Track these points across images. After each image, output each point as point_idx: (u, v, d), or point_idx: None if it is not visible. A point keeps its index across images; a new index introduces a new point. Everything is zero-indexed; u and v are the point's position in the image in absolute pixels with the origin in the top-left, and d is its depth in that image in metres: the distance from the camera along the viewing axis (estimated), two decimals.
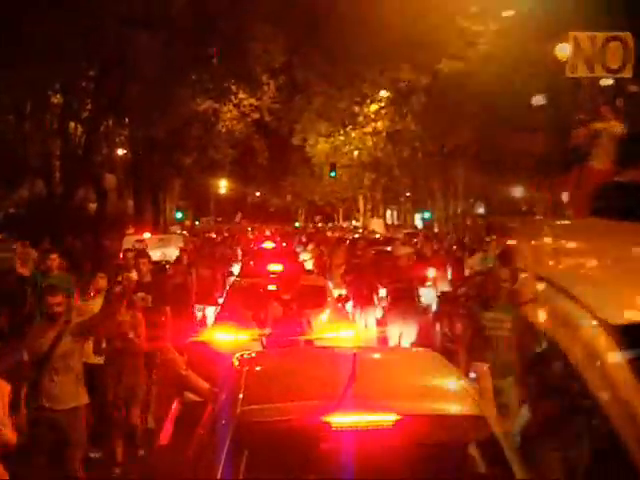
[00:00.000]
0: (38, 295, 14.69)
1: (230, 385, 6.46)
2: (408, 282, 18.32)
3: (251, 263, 27.19)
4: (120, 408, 11.19)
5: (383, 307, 19.62)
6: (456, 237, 38.57)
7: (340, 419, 5.31)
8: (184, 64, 34.51)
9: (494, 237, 24.72)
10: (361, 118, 58.25)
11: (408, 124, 52.94)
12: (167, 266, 21.06)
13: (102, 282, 12.39)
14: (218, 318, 16.35)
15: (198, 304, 19.78)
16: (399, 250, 20.80)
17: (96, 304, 11.30)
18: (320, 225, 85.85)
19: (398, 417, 5.34)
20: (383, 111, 55.72)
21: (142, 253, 15.58)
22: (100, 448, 11.33)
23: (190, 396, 9.63)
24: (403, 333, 17.45)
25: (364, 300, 20.74)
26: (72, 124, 39.52)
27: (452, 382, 6.34)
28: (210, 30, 37.44)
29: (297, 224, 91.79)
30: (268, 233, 52.84)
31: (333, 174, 64.23)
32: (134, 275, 11.87)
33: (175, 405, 11.69)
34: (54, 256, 16.28)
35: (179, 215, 69.71)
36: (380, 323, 19.60)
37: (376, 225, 64.39)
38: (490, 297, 10.70)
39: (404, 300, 17.91)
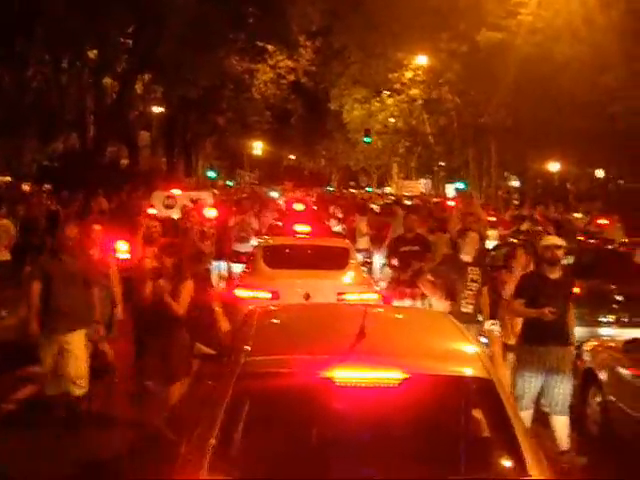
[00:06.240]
0: None
1: (240, 336, 6.48)
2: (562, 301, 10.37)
3: (280, 224, 27.15)
4: None
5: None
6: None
7: (344, 374, 5.29)
8: (221, 22, 34.37)
9: None
10: (397, 85, 58.08)
11: (444, 93, 52.66)
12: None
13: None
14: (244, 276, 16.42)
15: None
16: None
17: None
18: (355, 191, 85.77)
19: (405, 375, 5.32)
20: (419, 78, 55.50)
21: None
22: None
23: (203, 349, 9.74)
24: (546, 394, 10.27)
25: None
26: (108, 80, 39.64)
27: (462, 344, 6.32)
28: None
29: (330, 188, 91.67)
30: (310, 200, 52.19)
31: (367, 140, 63.90)
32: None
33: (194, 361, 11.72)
34: None
35: (211, 174, 69.58)
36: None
37: (409, 188, 60.55)
38: None
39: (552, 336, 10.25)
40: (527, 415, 9.94)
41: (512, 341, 10.95)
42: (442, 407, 5.58)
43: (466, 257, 11.83)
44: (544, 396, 10.17)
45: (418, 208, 29.19)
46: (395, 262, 16.07)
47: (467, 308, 11.51)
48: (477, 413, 5.63)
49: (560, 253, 10.40)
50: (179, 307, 10.07)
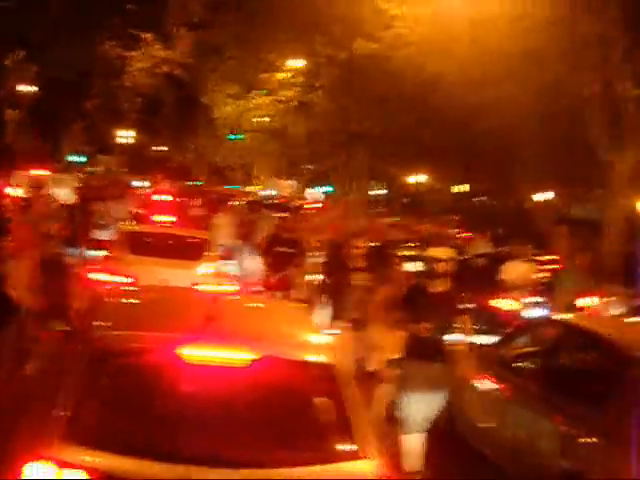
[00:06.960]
0: None
1: (93, 313, 6.55)
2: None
3: (145, 212, 27.03)
4: None
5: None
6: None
7: (193, 352, 5.44)
8: (98, 6, 33.99)
9: None
10: (270, 85, 58.10)
11: (317, 97, 52.94)
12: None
13: None
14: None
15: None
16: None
17: None
18: (220, 187, 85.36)
19: (254, 357, 5.49)
20: (292, 80, 55.60)
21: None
22: None
23: (57, 325, 9.70)
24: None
25: None
26: None
27: (313, 332, 6.62)
28: None
29: (196, 182, 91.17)
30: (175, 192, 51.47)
31: (233, 137, 63.93)
32: None
33: (45, 337, 11.61)
34: None
35: (78, 158, 68.38)
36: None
37: (279, 187, 61.36)
38: None
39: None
40: (422, 438, 9.57)
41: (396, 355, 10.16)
42: (289, 390, 5.77)
43: (355, 262, 11.75)
44: None
45: (291, 209, 29.38)
46: (265, 261, 15.87)
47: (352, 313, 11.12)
48: (321, 398, 5.81)
49: (440, 266, 9.73)
50: (11, 291, 9.28)
